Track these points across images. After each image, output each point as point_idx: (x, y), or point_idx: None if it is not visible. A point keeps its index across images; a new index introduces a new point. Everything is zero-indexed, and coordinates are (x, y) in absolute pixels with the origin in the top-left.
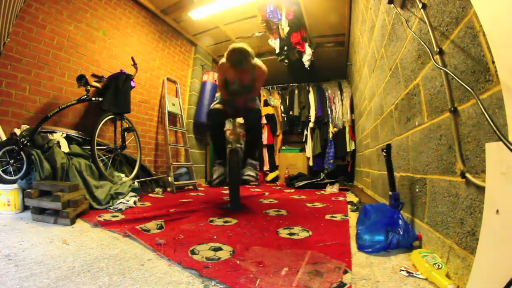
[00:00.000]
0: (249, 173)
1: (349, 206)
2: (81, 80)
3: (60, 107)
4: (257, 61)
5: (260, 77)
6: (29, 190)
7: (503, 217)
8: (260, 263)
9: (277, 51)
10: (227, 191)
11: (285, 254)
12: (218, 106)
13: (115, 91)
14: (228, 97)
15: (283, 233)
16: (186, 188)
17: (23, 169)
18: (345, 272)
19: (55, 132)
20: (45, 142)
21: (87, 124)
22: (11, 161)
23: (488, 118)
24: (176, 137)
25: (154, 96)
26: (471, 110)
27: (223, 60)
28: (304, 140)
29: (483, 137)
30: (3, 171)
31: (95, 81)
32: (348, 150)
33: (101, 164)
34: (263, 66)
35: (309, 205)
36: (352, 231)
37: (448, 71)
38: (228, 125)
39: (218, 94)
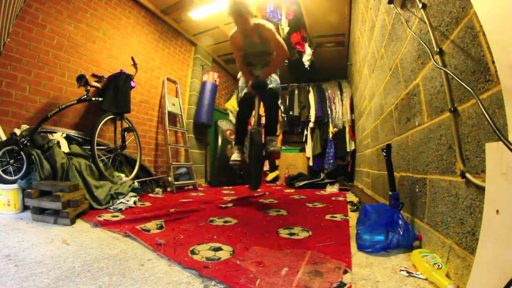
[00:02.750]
0: (273, 147)
1: (349, 206)
2: (81, 80)
3: (60, 107)
4: (260, 20)
5: (268, 33)
6: (29, 190)
7: (503, 217)
8: (260, 263)
9: None
10: (228, 191)
11: (285, 254)
12: (246, 91)
13: (115, 91)
14: (249, 72)
15: (283, 233)
16: (186, 188)
17: (23, 169)
18: (345, 272)
19: (55, 132)
20: (45, 142)
21: (87, 124)
22: (11, 161)
23: (488, 118)
24: (176, 137)
25: (154, 96)
26: (471, 110)
27: (231, 31)
28: (304, 140)
29: (483, 137)
30: (3, 171)
31: (95, 81)
32: (348, 150)
33: (101, 164)
34: (267, 23)
35: (309, 205)
36: (352, 231)
37: (448, 71)
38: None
39: (241, 80)
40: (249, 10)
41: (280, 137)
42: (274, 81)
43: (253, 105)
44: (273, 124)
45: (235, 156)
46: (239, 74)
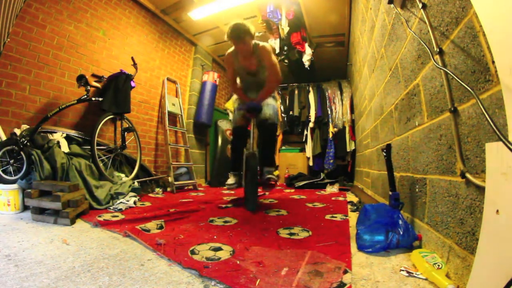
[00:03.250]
0: (270, 175)
1: (349, 206)
2: (81, 80)
3: (60, 107)
4: (259, 41)
5: (265, 56)
6: (29, 190)
7: (503, 217)
8: (260, 263)
9: (277, 51)
10: (227, 191)
11: (285, 254)
12: (241, 122)
13: (115, 91)
14: (244, 94)
15: (283, 233)
16: (186, 188)
17: (23, 169)
18: (345, 272)
19: (55, 132)
20: (45, 142)
21: (87, 124)
22: (11, 161)
23: (488, 118)
24: (176, 137)
25: (154, 96)
26: (471, 110)
27: (227, 51)
28: (304, 140)
29: (483, 137)
30: (3, 171)
31: (95, 81)
32: (348, 150)
33: (101, 164)
34: (267, 45)
35: (309, 205)
36: (352, 231)
37: (448, 71)
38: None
39: (236, 102)
40: (250, 33)
41: (280, 137)
42: (271, 108)
43: (246, 136)
44: (270, 157)
45: (231, 181)
46: (234, 96)
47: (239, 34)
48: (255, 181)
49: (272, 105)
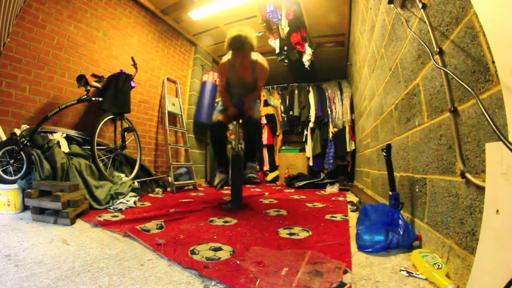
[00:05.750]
0: (251, 174)
1: (349, 206)
2: (81, 80)
3: (60, 107)
4: (258, 56)
5: (261, 74)
6: (29, 190)
7: (503, 217)
8: (260, 263)
9: (277, 51)
10: (228, 191)
11: (285, 254)
12: (219, 117)
13: (115, 91)
14: (230, 101)
15: (283, 233)
16: (186, 188)
17: (23, 169)
18: (345, 272)
19: (55, 132)
20: (45, 142)
21: (87, 124)
22: (11, 161)
23: (488, 118)
24: (176, 137)
25: (154, 96)
26: (471, 110)
27: (224, 59)
28: (304, 140)
29: (483, 137)
30: (3, 171)
31: (95, 81)
32: (348, 150)
33: (101, 164)
34: (265, 63)
35: (309, 205)
36: (352, 231)
37: (448, 71)
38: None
39: (219, 100)
40: (252, 45)
41: (280, 137)
42: (255, 108)
43: (225, 130)
44: (253, 152)
45: (218, 178)
46: (218, 98)
47: (240, 46)
48: (240, 182)
49: (256, 106)
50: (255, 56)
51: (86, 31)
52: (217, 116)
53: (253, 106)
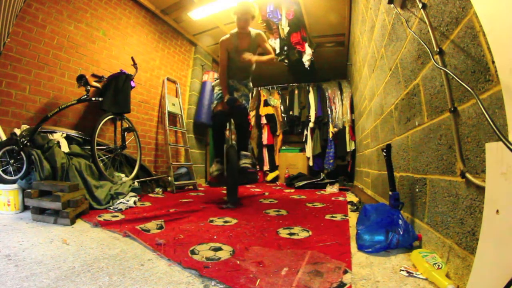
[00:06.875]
0: (245, 161)
1: (349, 206)
2: (81, 80)
3: (60, 107)
4: (256, 30)
5: (263, 42)
6: (29, 190)
7: (503, 217)
8: (260, 263)
9: (277, 51)
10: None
11: (285, 254)
12: (219, 107)
13: (115, 91)
14: (227, 86)
15: (283, 233)
16: (186, 188)
17: (23, 169)
18: (345, 272)
19: (55, 132)
20: (45, 142)
21: (87, 124)
22: (11, 161)
23: (488, 118)
24: (176, 137)
25: (154, 96)
26: (471, 110)
27: (225, 36)
28: (304, 140)
29: (483, 137)
30: (3, 171)
31: (95, 81)
32: (348, 150)
33: (101, 164)
34: (262, 32)
35: (309, 205)
36: (352, 231)
37: (448, 71)
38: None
39: (215, 84)
40: (253, 13)
41: (280, 137)
42: (245, 95)
43: (226, 120)
44: (244, 140)
45: (214, 167)
46: (215, 83)
47: (245, 12)
48: (236, 174)
49: (246, 94)
50: (253, 30)
51: (86, 31)
52: (216, 106)
53: (244, 94)
